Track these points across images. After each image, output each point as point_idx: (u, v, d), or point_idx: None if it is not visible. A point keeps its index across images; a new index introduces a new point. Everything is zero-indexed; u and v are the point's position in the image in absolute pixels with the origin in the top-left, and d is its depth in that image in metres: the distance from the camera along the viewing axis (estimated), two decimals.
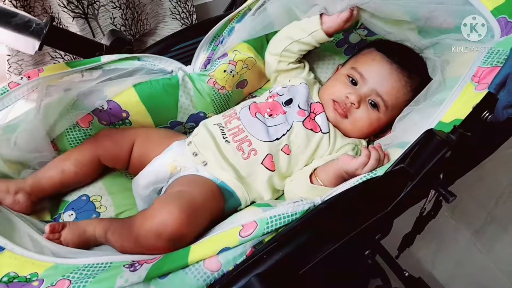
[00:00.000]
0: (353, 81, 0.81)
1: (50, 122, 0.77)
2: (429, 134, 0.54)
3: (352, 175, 0.65)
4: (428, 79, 0.81)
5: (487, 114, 0.53)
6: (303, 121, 0.78)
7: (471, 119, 0.55)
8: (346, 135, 0.81)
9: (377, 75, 0.79)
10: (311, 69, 0.93)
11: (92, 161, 0.76)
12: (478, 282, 1.19)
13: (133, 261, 0.57)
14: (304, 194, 0.69)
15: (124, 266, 0.55)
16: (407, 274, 1.02)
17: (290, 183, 0.76)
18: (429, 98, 0.69)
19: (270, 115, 0.80)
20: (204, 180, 0.72)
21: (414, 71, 0.79)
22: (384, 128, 0.83)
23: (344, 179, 0.66)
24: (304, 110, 0.80)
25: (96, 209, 0.75)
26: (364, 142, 0.82)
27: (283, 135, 0.77)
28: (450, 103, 0.61)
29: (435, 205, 0.70)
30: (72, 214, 0.73)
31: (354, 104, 0.78)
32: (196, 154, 0.76)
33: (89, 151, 0.76)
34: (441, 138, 0.53)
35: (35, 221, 0.69)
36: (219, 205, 0.71)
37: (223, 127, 0.79)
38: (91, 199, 0.76)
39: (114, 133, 0.79)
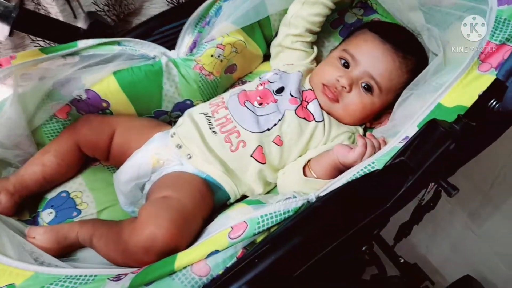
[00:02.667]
0: (345, 63, 0.76)
1: (27, 114, 0.72)
2: (432, 125, 0.51)
3: (349, 167, 0.61)
4: (426, 60, 0.77)
5: (494, 103, 0.49)
6: (295, 110, 0.74)
7: (476, 108, 0.51)
8: (340, 122, 0.77)
9: (370, 56, 0.74)
10: None
11: (72, 149, 0.73)
12: (473, 266, 1.18)
13: (119, 274, 0.54)
14: (297, 187, 0.65)
15: (108, 279, 0.52)
16: (402, 260, 1.02)
17: (283, 176, 0.72)
18: (430, 80, 0.65)
19: (260, 104, 0.75)
20: (190, 179, 0.68)
21: (409, 51, 0.75)
22: (379, 113, 0.79)
23: (340, 171, 0.63)
24: (296, 98, 0.75)
25: (77, 206, 0.70)
26: (360, 130, 0.78)
27: (274, 125, 0.72)
28: (452, 84, 0.57)
29: (434, 196, 0.67)
30: (51, 213, 0.69)
31: (345, 88, 0.74)
32: (180, 147, 0.71)
33: (68, 140, 0.73)
34: (444, 129, 0.49)
35: (14, 222, 0.65)
36: (208, 204, 0.68)
37: (209, 116, 0.74)
38: (71, 196, 0.72)
39: (93, 119, 0.75)
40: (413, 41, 0.78)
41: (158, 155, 0.71)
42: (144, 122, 0.79)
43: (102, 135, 0.74)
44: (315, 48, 0.86)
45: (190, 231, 0.60)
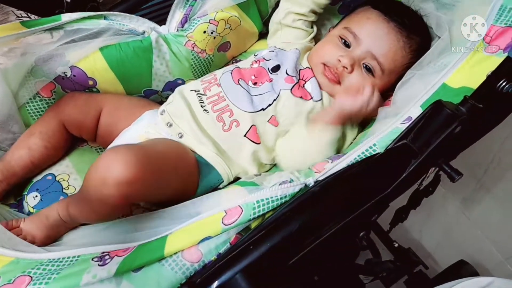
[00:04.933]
0: (346, 42, 0.72)
1: (11, 92, 0.68)
2: (437, 106, 0.48)
3: (354, 116, 0.65)
4: (429, 41, 0.74)
5: (504, 83, 0.47)
6: (291, 89, 0.70)
7: (484, 88, 0.48)
8: None
9: (373, 35, 0.71)
10: None
11: (58, 130, 0.69)
12: (466, 251, 1.19)
13: (103, 252, 0.51)
14: (302, 146, 0.66)
15: (92, 259, 0.49)
16: (396, 245, 1.01)
17: (287, 137, 0.69)
18: (434, 61, 0.62)
19: (255, 83, 0.72)
20: (176, 143, 0.66)
21: (413, 30, 0.72)
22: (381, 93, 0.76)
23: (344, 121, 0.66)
24: (293, 76, 0.72)
25: (64, 190, 0.67)
26: None
27: (269, 105, 0.69)
28: (457, 64, 0.55)
29: (434, 180, 0.65)
30: (36, 196, 0.66)
31: (346, 68, 0.71)
32: (171, 125, 0.68)
33: (53, 120, 0.69)
34: (450, 111, 0.46)
35: None
36: (188, 167, 0.64)
37: (201, 94, 0.71)
38: (57, 179, 0.68)
39: (78, 97, 0.71)
40: (418, 20, 0.75)
41: (147, 134, 0.68)
42: (133, 100, 0.75)
43: (88, 114, 0.70)
44: (315, 28, 0.83)
45: (154, 170, 0.55)
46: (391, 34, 0.71)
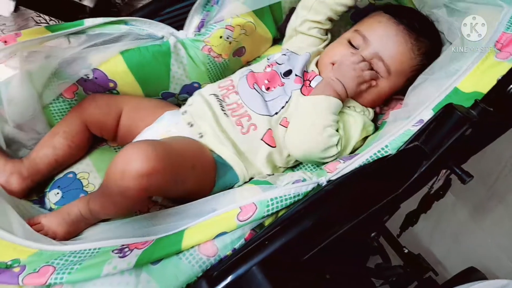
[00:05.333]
0: (355, 44, 0.75)
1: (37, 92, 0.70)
2: (448, 109, 0.49)
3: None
4: (440, 45, 0.75)
5: None
6: (300, 89, 0.73)
7: (495, 92, 0.50)
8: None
9: (381, 37, 0.73)
10: None
11: (81, 130, 0.71)
12: (476, 258, 1.18)
13: (122, 245, 0.53)
14: (302, 113, 0.68)
15: (113, 251, 0.51)
16: (406, 251, 1.01)
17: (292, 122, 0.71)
18: (446, 66, 0.63)
19: (268, 88, 0.74)
20: (196, 142, 0.68)
21: (423, 34, 0.73)
22: (389, 97, 0.78)
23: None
24: (300, 77, 0.74)
25: (84, 188, 0.69)
26: (371, 112, 0.77)
27: (282, 107, 0.72)
28: (468, 70, 0.56)
29: (444, 184, 0.66)
30: (58, 193, 0.68)
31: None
32: (192, 125, 0.70)
33: (76, 120, 0.71)
34: (461, 114, 0.48)
35: (23, 202, 0.65)
36: (206, 166, 0.66)
37: (220, 99, 0.73)
38: (78, 177, 0.70)
39: (100, 98, 0.74)
40: (428, 24, 0.76)
41: (169, 133, 0.70)
42: (153, 102, 0.78)
43: (110, 115, 0.72)
44: (329, 35, 0.84)
45: (175, 171, 0.57)
46: (399, 36, 0.72)
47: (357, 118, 0.72)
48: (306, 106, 0.70)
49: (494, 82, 0.51)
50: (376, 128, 0.76)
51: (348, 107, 0.74)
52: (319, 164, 0.72)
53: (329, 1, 0.77)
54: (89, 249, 0.52)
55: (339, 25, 0.90)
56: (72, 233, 0.61)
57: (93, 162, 0.73)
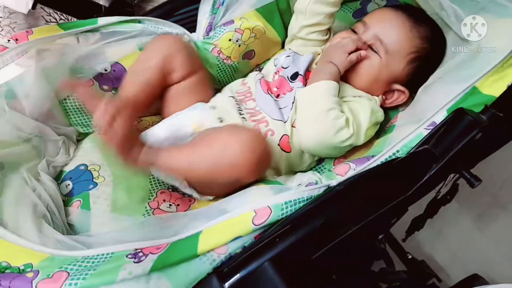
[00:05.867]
0: (355, 30, 0.77)
1: (53, 89, 0.71)
2: (459, 113, 0.50)
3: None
4: (440, 36, 0.75)
5: None
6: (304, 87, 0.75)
7: (505, 98, 0.50)
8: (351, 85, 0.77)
9: (380, 20, 0.75)
10: None
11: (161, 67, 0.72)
12: (479, 266, 1.17)
13: (136, 249, 0.52)
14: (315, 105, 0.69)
15: (127, 256, 0.50)
16: (410, 256, 1.01)
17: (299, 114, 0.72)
18: (458, 69, 0.63)
19: (278, 96, 0.75)
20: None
21: (422, 20, 0.74)
22: (389, 82, 0.76)
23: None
24: (303, 76, 0.76)
25: (94, 179, 0.69)
26: (378, 101, 0.76)
27: (291, 109, 0.73)
28: (486, 73, 0.54)
29: (452, 189, 0.67)
30: (69, 185, 0.68)
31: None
32: (222, 121, 0.72)
33: (156, 55, 0.72)
34: (472, 118, 0.48)
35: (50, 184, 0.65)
36: None
37: (238, 103, 0.75)
38: (88, 168, 0.70)
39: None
40: (429, 18, 0.77)
41: (198, 122, 0.71)
42: (187, 88, 0.77)
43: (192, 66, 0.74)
44: (332, 33, 0.84)
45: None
46: (398, 19, 0.74)
47: (364, 103, 0.72)
48: (303, 98, 0.71)
49: (505, 88, 0.52)
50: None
51: (354, 96, 0.74)
52: (339, 156, 0.75)
53: None
54: (102, 254, 0.51)
55: (341, 25, 0.91)
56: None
57: (104, 156, 0.73)
